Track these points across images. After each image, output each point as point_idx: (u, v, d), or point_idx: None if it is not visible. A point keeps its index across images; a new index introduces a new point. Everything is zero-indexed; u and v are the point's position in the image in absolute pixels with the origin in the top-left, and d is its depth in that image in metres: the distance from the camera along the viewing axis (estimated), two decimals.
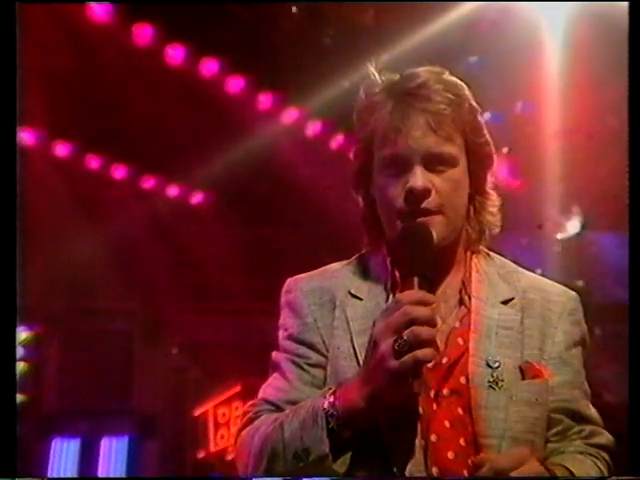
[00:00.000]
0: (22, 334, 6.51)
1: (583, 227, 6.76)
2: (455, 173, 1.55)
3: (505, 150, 6.65)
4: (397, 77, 1.58)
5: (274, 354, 1.62)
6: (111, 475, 7.38)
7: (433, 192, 1.51)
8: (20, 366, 6.36)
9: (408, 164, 1.51)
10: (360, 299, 1.56)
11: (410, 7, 5.02)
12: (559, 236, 6.74)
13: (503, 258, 1.71)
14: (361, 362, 1.46)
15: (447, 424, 1.46)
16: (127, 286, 7.21)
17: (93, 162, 6.28)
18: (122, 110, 5.45)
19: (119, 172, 6.44)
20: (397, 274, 1.56)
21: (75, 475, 7.19)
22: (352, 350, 1.50)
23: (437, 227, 1.51)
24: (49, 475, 6.91)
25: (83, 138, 5.95)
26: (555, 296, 1.64)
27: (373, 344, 1.38)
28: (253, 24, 5.09)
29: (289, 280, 1.66)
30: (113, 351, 7.63)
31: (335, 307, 1.57)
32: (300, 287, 1.62)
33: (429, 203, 1.51)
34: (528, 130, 6.30)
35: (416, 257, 1.45)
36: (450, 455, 1.44)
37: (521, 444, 1.46)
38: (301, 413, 1.43)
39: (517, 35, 5.27)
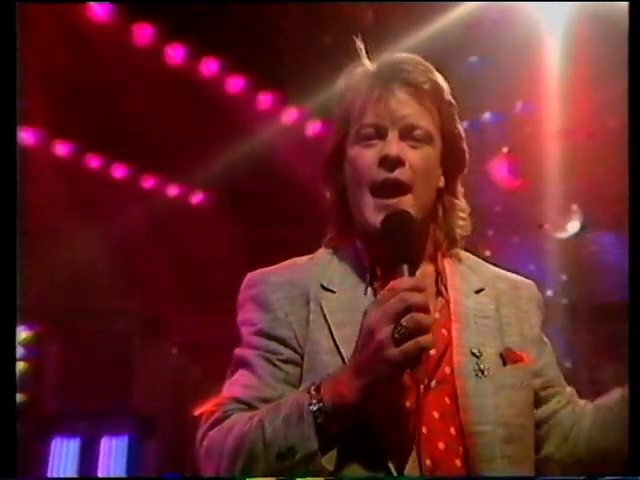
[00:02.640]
0: (22, 334, 6.51)
1: (583, 227, 6.75)
2: (429, 152, 1.56)
3: (505, 150, 6.66)
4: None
5: (238, 351, 1.54)
6: (111, 475, 7.38)
7: (406, 164, 1.51)
8: (20, 366, 6.35)
9: (384, 133, 1.53)
10: (333, 292, 1.53)
11: (410, 7, 5.02)
12: (559, 236, 6.74)
13: (466, 252, 1.70)
14: (345, 356, 1.44)
15: (436, 415, 1.46)
16: (127, 286, 7.21)
17: (93, 162, 6.28)
18: (122, 110, 5.45)
19: (119, 172, 6.44)
20: (375, 264, 1.55)
21: (75, 475, 7.19)
22: (333, 344, 1.47)
23: (407, 207, 1.51)
24: (49, 475, 6.91)
25: (83, 138, 5.95)
26: (520, 284, 1.68)
27: (367, 334, 1.35)
28: (253, 24, 5.09)
29: (252, 274, 1.61)
30: (113, 351, 7.62)
31: (308, 301, 1.52)
32: (267, 281, 1.56)
33: (401, 173, 1.51)
34: (528, 130, 6.30)
35: (401, 244, 1.44)
36: (441, 446, 1.45)
37: (514, 429, 1.49)
38: (282, 410, 1.38)
39: (517, 35, 5.27)
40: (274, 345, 1.50)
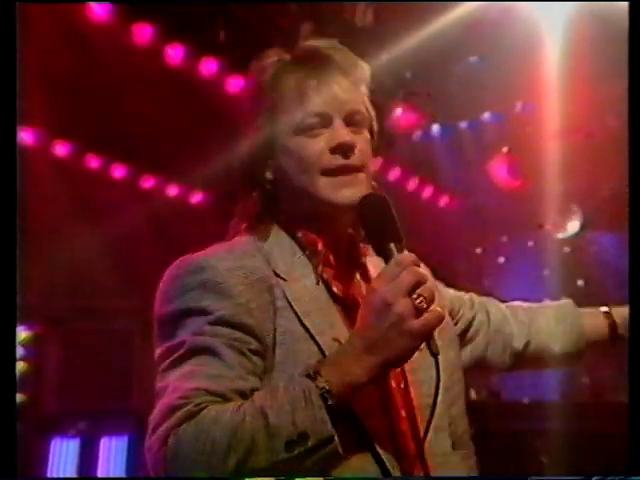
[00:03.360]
0: (22, 334, 6.51)
1: (583, 227, 6.76)
2: (367, 137, 1.57)
3: (505, 150, 6.66)
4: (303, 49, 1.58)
5: (197, 339, 1.40)
6: (111, 475, 7.38)
7: (356, 150, 1.52)
8: (20, 366, 6.35)
9: (329, 120, 1.51)
10: (285, 280, 1.49)
11: (409, 7, 5.02)
12: (559, 236, 6.74)
13: None
14: (321, 343, 1.41)
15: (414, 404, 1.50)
16: (127, 286, 7.21)
17: (93, 162, 6.28)
18: (121, 110, 5.45)
19: (118, 172, 6.44)
20: (324, 250, 1.53)
21: (75, 475, 7.19)
22: (305, 332, 1.43)
23: (362, 185, 1.52)
24: (49, 475, 6.91)
25: (82, 137, 5.95)
26: None
27: (382, 309, 1.32)
28: (253, 24, 5.09)
29: (193, 259, 1.50)
30: (113, 351, 7.62)
31: (271, 287, 1.46)
32: (216, 266, 1.46)
33: (354, 159, 1.51)
34: (528, 130, 6.30)
35: (380, 225, 1.44)
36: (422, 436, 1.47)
37: (456, 391, 1.59)
38: (282, 396, 1.31)
39: (517, 35, 5.27)
40: (239, 334, 1.40)
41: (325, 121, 1.52)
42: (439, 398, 1.45)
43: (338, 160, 1.50)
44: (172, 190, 6.77)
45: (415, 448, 1.44)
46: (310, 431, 1.28)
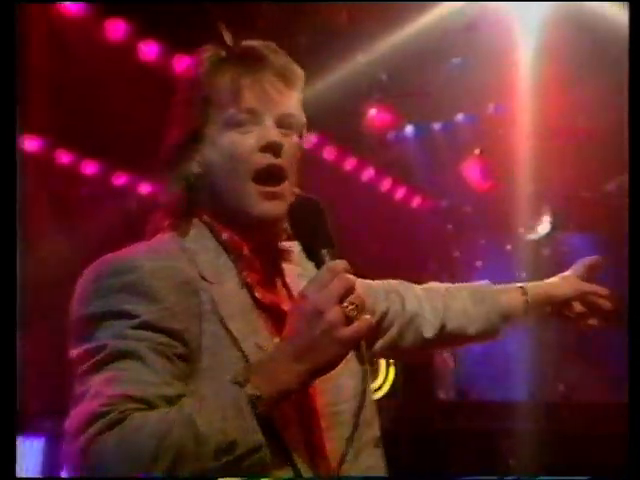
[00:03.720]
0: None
1: (553, 228, 6.82)
2: (296, 141, 1.56)
3: (477, 151, 6.70)
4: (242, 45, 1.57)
5: (119, 343, 1.34)
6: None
7: (285, 150, 1.51)
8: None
9: (260, 119, 1.51)
10: (210, 283, 1.45)
11: (384, 8, 5.03)
12: (529, 236, 6.79)
13: None
14: (244, 349, 1.40)
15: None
16: None
17: (64, 157, 6.23)
18: (94, 106, 5.42)
19: (90, 168, 6.39)
20: (249, 255, 1.51)
21: (39, 475, 7.13)
22: (229, 337, 1.41)
23: (289, 196, 1.51)
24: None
25: (53, 133, 5.90)
26: None
27: (313, 316, 1.32)
28: (229, 24, 5.08)
29: (116, 259, 1.45)
30: None
31: (197, 290, 1.43)
32: (141, 267, 1.41)
33: (283, 160, 1.51)
34: (500, 131, 6.34)
35: (312, 231, 1.43)
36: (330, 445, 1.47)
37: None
38: (211, 403, 1.30)
39: (491, 38, 5.31)
40: (164, 338, 1.35)
41: (256, 119, 1.50)
42: (354, 404, 1.49)
43: (268, 159, 1.49)
44: (144, 188, 6.72)
45: (329, 454, 1.45)
46: (239, 440, 1.28)
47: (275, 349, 1.37)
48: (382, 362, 7.30)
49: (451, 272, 7.36)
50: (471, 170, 6.75)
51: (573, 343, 6.52)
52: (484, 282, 1.98)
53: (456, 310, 1.89)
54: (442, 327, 1.86)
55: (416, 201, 7.98)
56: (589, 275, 1.98)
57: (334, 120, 6.03)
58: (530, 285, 1.98)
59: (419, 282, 1.97)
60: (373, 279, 1.90)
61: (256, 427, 1.29)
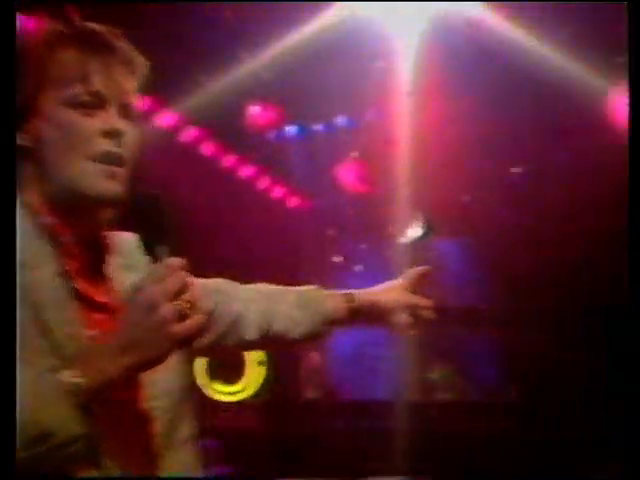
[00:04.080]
0: None
1: (426, 233, 6.99)
2: (135, 132, 1.54)
3: (354, 155, 6.80)
4: (87, 26, 1.54)
5: None
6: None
7: (127, 139, 1.50)
8: None
9: (104, 104, 1.48)
10: (26, 268, 1.40)
11: (272, 8, 5.04)
12: (401, 240, 6.94)
13: None
14: (57, 339, 1.37)
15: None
16: None
17: None
18: None
19: None
20: (70, 241, 1.47)
21: None
22: (42, 325, 1.37)
23: (124, 180, 1.49)
24: None
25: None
26: None
27: (146, 310, 1.30)
28: (123, 23, 4.96)
29: None
30: None
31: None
32: None
33: (124, 150, 1.49)
34: (377, 136, 6.45)
35: (151, 225, 1.40)
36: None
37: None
38: (29, 392, 1.26)
39: (370, 41, 5.41)
40: None
41: (100, 103, 1.47)
42: (168, 401, 1.50)
43: (108, 145, 1.46)
44: None
45: (143, 449, 1.45)
46: (56, 429, 1.25)
47: (103, 339, 1.35)
48: (252, 362, 7.31)
49: (325, 273, 7.44)
50: (347, 173, 6.84)
51: (438, 344, 6.72)
52: (312, 287, 2.00)
53: (282, 313, 1.91)
54: (267, 329, 1.89)
55: (294, 201, 8.01)
56: (418, 284, 2.05)
57: (215, 116, 6.00)
58: (360, 292, 2.02)
59: (291, 284, 2.00)
60: (237, 279, 1.92)
61: (75, 416, 1.26)
